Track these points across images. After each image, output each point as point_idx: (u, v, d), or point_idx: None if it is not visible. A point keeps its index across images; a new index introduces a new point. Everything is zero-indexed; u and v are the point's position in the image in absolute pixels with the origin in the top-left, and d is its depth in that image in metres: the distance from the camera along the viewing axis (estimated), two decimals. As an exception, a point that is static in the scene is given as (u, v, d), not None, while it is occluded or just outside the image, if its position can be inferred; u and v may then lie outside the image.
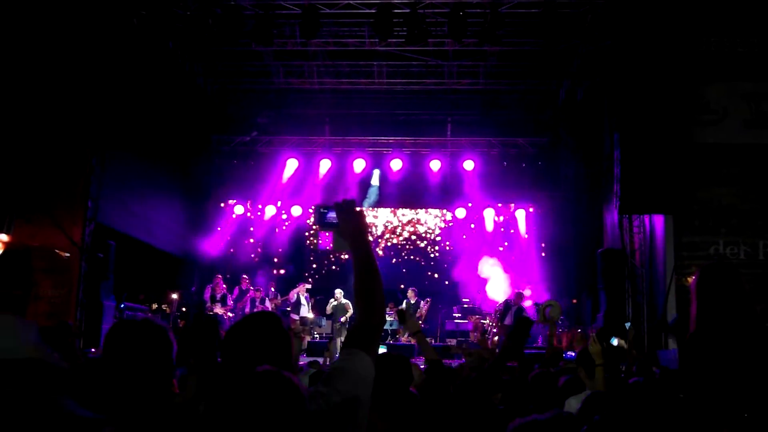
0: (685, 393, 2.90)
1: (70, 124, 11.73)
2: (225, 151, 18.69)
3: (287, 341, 2.25)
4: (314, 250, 19.07)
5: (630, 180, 11.25)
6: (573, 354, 9.62)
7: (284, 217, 18.89)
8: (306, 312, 15.40)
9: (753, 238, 10.99)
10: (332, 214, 2.36)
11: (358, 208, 2.31)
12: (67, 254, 11.49)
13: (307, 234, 19.16)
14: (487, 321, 15.40)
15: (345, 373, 2.00)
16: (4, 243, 10.99)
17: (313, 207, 17.69)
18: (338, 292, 15.55)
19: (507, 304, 14.47)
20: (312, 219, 18.34)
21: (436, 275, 18.62)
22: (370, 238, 2.32)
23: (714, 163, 11.17)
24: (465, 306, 16.74)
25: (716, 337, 2.86)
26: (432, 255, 19.01)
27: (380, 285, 2.21)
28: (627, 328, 11.92)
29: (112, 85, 12.35)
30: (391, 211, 19.22)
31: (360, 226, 2.28)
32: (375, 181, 18.47)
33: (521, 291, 14.73)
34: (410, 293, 15.81)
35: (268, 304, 15.37)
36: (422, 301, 15.62)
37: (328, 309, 15.48)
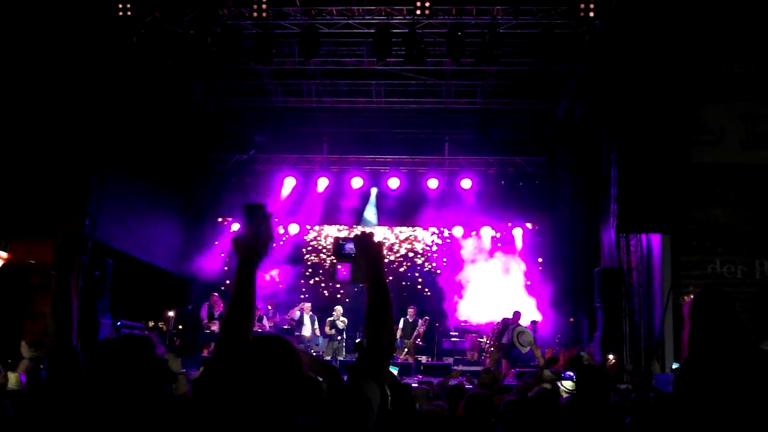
0: (677, 418, 2.90)
1: (68, 141, 11.77)
2: (223, 169, 18.70)
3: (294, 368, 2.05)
4: (311, 268, 18.99)
5: (627, 199, 11.28)
6: (571, 374, 9.58)
7: (281, 231, 18.79)
8: (308, 331, 15.32)
9: (750, 257, 11.02)
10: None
11: (375, 240, 2.38)
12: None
13: (304, 251, 19.10)
14: (485, 339, 15.35)
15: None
16: (3, 259, 10.99)
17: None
18: (338, 309, 15.54)
19: (505, 323, 14.42)
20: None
21: (430, 292, 18.50)
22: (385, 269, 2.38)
23: (711, 183, 11.22)
24: (462, 325, 16.70)
25: (709, 363, 2.86)
26: (425, 273, 18.89)
27: (391, 314, 2.28)
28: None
29: (111, 103, 12.40)
30: (387, 247, 19.11)
31: (377, 258, 2.36)
32: (371, 206, 18.44)
33: (519, 310, 14.67)
34: (410, 311, 15.76)
35: (266, 323, 15.30)
36: (420, 320, 15.58)
37: (326, 327, 15.38)
